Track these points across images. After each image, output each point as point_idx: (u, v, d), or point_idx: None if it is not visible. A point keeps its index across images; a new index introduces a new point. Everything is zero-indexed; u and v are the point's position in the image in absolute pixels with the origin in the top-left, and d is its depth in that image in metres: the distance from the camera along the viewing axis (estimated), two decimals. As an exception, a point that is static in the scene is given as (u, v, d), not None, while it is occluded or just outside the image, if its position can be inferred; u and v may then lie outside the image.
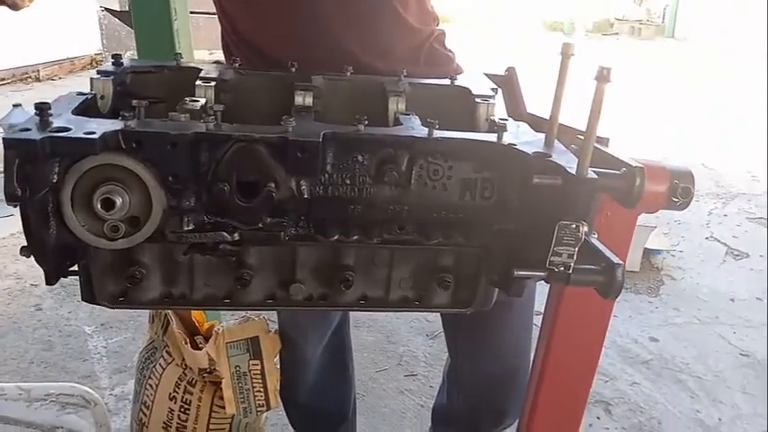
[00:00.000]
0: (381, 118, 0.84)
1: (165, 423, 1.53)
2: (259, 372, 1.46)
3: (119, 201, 0.63)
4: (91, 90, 0.79)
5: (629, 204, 0.65)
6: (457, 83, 0.93)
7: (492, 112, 0.85)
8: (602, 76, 0.58)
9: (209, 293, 0.78)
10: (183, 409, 1.53)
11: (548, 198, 0.65)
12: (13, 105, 0.67)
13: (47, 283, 0.68)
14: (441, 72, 0.98)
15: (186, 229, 0.68)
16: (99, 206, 0.63)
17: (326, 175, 0.69)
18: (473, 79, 0.96)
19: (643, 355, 2.16)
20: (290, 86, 0.87)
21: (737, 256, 2.94)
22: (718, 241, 3.06)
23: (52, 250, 0.66)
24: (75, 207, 0.64)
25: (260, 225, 0.69)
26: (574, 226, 0.64)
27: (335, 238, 0.72)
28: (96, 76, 0.80)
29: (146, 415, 1.55)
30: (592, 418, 1.85)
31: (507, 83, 1.03)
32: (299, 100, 0.82)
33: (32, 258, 0.67)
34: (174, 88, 0.87)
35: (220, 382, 1.52)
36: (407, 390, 1.88)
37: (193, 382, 1.53)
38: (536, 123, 0.94)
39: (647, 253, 2.70)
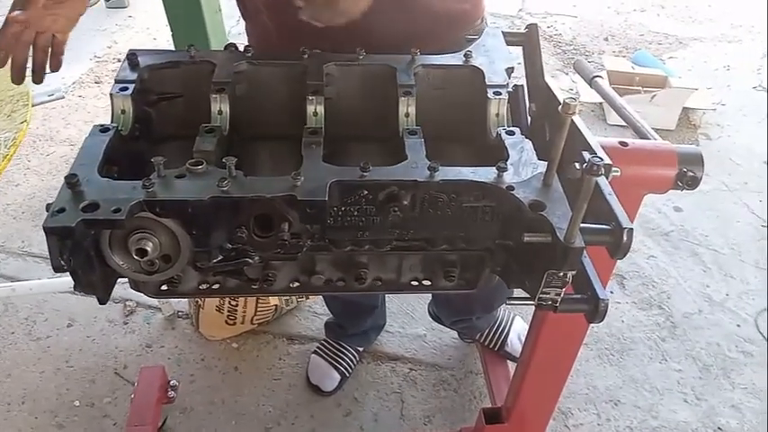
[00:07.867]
0: (391, 108, 0.86)
1: (217, 307, 1.75)
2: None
3: (150, 248, 0.71)
4: (111, 104, 0.83)
5: (615, 257, 0.70)
6: (472, 61, 0.91)
7: (502, 110, 0.86)
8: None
9: (239, 284, 0.88)
10: (232, 297, 1.73)
11: (539, 247, 0.70)
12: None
13: (100, 303, 0.79)
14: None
15: (213, 262, 0.76)
16: (134, 255, 0.72)
17: (335, 209, 0.74)
18: (490, 51, 0.94)
19: (664, 226, 2.18)
20: (303, 75, 0.89)
21: (784, 107, 2.74)
22: (766, 91, 2.88)
23: (100, 283, 0.76)
24: (113, 251, 0.73)
25: (278, 249, 0.77)
26: (561, 274, 0.70)
27: (348, 249, 0.80)
28: (116, 90, 0.82)
29: (201, 299, 1.76)
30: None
31: (527, 42, 1.00)
32: (310, 110, 0.84)
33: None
34: (190, 83, 0.90)
35: (262, 278, 1.69)
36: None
37: (239, 276, 1.70)
38: (549, 100, 0.93)
39: (687, 110, 2.61)
